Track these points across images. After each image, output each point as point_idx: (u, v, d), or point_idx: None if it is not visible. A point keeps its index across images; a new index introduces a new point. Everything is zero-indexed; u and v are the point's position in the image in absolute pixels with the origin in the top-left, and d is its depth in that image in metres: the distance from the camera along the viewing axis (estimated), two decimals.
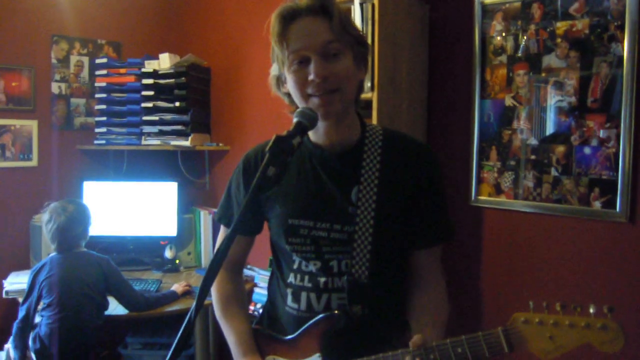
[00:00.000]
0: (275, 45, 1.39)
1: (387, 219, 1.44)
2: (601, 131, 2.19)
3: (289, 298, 1.53)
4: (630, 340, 2.11)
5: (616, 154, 2.16)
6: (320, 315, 1.44)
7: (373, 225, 1.42)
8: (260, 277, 3.29)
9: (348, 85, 1.40)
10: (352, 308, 1.43)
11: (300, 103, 1.41)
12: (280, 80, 1.47)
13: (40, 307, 2.69)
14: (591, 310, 1.09)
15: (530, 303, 1.15)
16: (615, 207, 2.17)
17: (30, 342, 2.70)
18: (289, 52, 1.37)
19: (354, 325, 1.42)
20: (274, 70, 1.47)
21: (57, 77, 3.73)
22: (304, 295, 1.50)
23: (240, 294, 1.71)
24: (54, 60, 3.71)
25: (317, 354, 1.43)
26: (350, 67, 1.39)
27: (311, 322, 1.45)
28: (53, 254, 2.79)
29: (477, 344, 1.18)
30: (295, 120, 1.31)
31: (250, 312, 3.19)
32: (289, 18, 1.37)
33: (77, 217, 2.81)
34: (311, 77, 1.34)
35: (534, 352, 1.13)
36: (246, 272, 3.39)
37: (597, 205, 2.22)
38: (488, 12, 2.50)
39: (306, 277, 1.50)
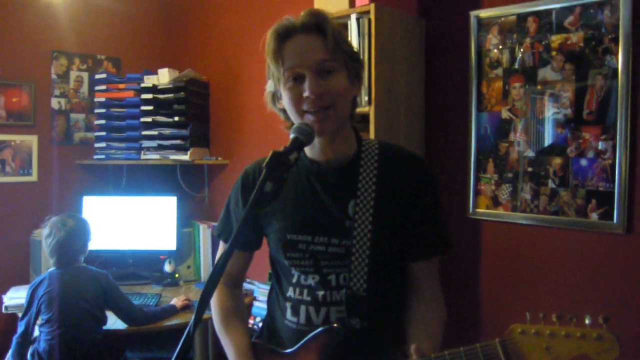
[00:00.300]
0: (270, 62, 1.41)
1: (384, 232, 1.45)
2: (599, 143, 2.20)
3: (288, 312, 1.54)
4: (627, 350, 2.12)
5: (612, 166, 2.17)
6: (319, 329, 1.45)
7: (370, 238, 1.44)
8: (259, 291, 3.29)
9: (342, 102, 1.42)
10: (350, 321, 1.43)
11: (295, 119, 1.42)
12: (275, 97, 1.49)
13: (39, 322, 2.69)
14: (587, 321, 1.10)
15: (527, 314, 1.16)
16: (612, 219, 2.18)
17: (29, 358, 2.69)
18: (284, 69, 1.39)
19: (353, 338, 1.43)
20: (269, 86, 1.49)
21: (57, 92, 3.75)
22: (303, 308, 1.51)
23: (239, 308, 1.72)
24: (53, 76, 3.73)
25: None
26: (344, 84, 1.42)
27: (310, 335, 1.46)
28: (52, 268, 2.79)
29: (475, 356, 1.18)
30: (292, 136, 1.32)
31: (250, 325, 3.19)
32: (284, 35, 1.40)
33: (77, 232, 2.82)
34: (306, 93, 1.36)
35: None
36: (246, 285, 3.39)
37: (594, 216, 2.23)
38: (484, 26, 2.52)
39: (305, 291, 1.51)
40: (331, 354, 1.43)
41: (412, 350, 1.27)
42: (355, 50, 1.49)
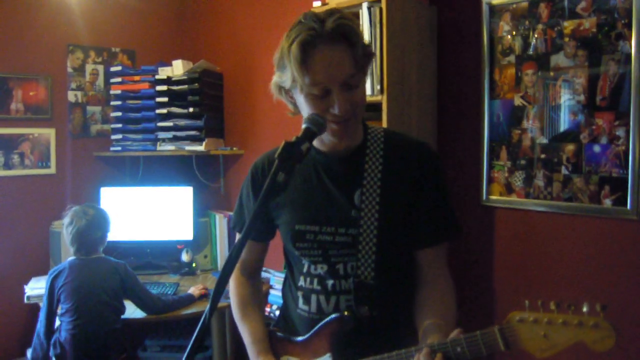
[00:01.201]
0: (295, 71, 1.35)
1: (391, 220, 1.47)
2: (613, 129, 2.19)
3: (300, 301, 1.57)
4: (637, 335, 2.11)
5: (626, 152, 2.16)
6: (330, 317, 1.47)
7: (377, 227, 1.45)
8: (275, 279, 3.32)
9: (362, 109, 1.44)
10: (359, 309, 1.46)
11: None
12: (283, 89, 1.46)
13: (59, 311, 2.75)
14: (584, 309, 1.10)
15: (526, 302, 1.16)
16: (625, 205, 2.17)
17: (51, 347, 2.75)
18: (311, 82, 1.34)
19: (363, 326, 1.45)
20: (282, 82, 1.44)
21: (73, 85, 3.80)
22: (314, 297, 1.53)
23: (256, 296, 1.76)
24: (69, 69, 3.78)
25: (328, 354, 1.46)
26: (365, 92, 1.43)
27: (321, 323, 1.49)
28: (71, 258, 2.84)
29: (475, 343, 1.20)
30: (304, 126, 1.33)
31: (267, 313, 3.23)
32: (309, 45, 1.33)
33: (97, 222, 2.87)
34: (335, 111, 1.35)
35: (529, 350, 1.14)
36: (262, 274, 3.42)
37: (607, 203, 2.22)
38: (496, 13, 2.51)
39: (315, 280, 1.54)
40: (342, 341, 1.45)
41: (453, 333, 1.26)
42: (368, 44, 1.47)
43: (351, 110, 1.38)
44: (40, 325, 2.80)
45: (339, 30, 1.34)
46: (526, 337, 1.15)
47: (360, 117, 1.45)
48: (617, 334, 1.07)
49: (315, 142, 1.52)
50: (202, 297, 3.15)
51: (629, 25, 2.12)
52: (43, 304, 2.82)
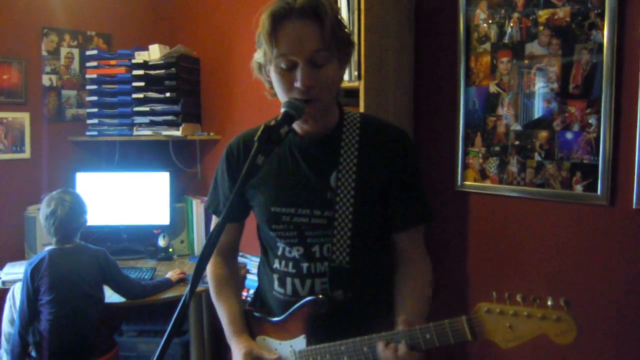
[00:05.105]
0: (264, 42, 1.39)
1: (366, 203, 1.49)
2: (584, 116, 2.24)
3: (276, 283, 1.59)
4: (610, 319, 2.18)
5: (597, 139, 2.21)
6: (305, 299, 1.50)
7: (352, 210, 1.47)
8: (252, 264, 3.34)
9: (329, 93, 1.44)
10: (333, 292, 1.48)
11: (282, 98, 1.44)
12: (262, 67, 1.48)
13: (39, 302, 2.71)
14: (549, 303, 1.15)
15: (493, 293, 1.20)
16: (596, 191, 2.22)
17: (30, 334, 2.73)
18: (278, 53, 1.37)
19: (337, 309, 1.48)
20: (258, 58, 1.47)
21: (48, 69, 3.75)
22: (289, 280, 1.56)
23: (233, 277, 1.77)
24: (44, 53, 3.73)
25: (303, 335, 1.49)
26: (335, 74, 1.43)
27: (296, 305, 1.51)
28: (50, 247, 2.80)
29: (443, 331, 1.24)
30: (282, 110, 1.35)
31: (243, 298, 3.25)
32: (279, 17, 1.36)
33: (76, 209, 2.84)
34: (297, 84, 1.37)
35: (494, 340, 1.19)
36: (239, 259, 3.44)
37: (578, 188, 2.27)
38: (472, 1, 2.54)
39: (290, 263, 1.56)
40: (316, 323, 1.48)
41: (399, 322, 1.31)
42: (348, 32, 1.48)
43: (316, 89, 1.38)
44: (19, 320, 2.74)
45: (310, 5, 1.36)
46: (492, 327, 1.19)
47: (328, 101, 1.45)
48: (578, 328, 1.12)
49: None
50: (180, 281, 3.15)
51: (601, 15, 2.16)
52: (22, 297, 2.76)
